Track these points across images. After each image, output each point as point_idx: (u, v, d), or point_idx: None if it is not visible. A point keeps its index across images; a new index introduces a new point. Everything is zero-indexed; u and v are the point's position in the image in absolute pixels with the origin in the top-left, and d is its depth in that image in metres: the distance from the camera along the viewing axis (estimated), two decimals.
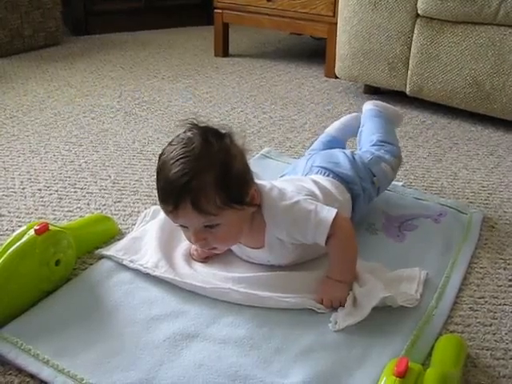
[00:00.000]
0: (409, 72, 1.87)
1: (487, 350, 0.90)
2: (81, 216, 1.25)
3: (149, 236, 1.11)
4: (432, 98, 1.87)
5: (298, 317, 0.94)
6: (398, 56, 1.88)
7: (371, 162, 1.20)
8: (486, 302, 1.01)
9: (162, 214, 1.10)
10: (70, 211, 1.28)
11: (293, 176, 1.19)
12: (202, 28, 3.07)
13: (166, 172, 0.90)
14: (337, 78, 2.17)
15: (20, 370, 0.84)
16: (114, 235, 1.17)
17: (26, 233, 0.97)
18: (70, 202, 1.32)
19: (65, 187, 1.39)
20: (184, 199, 0.88)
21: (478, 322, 0.96)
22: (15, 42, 2.55)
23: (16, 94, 2.07)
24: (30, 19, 2.58)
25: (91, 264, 1.07)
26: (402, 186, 1.41)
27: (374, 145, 1.26)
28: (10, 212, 1.27)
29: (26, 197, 1.34)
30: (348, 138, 1.43)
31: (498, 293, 1.04)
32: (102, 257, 1.09)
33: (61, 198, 1.33)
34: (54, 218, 1.24)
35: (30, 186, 1.39)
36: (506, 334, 0.94)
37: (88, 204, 1.31)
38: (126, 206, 1.30)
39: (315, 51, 2.66)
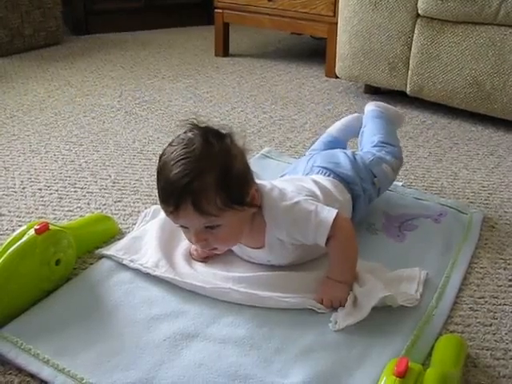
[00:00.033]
0: (409, 72, 1.87)
1: (487, 349, 0.90)
2: (81, 215, 1.25)
3: (149, 236, 1.11)
4: (432, 97, 1.87)
5: (298, 317, 0.94)
6: (398, 56, 1.88)
7: (372, 162, 1.20)
8: (486, 301, 1.01)
9: (162, 214, 1.10)
10: (71, 211, 1.28)
11: (293, 176, 1.19)
12: (203, 28, 3.07)
13: (166, 173, 0.90)
14: (337, 77, 2.17)
15: (20, 370, 0.84)
16: (115, 235, 1.17)
17: (26, 232, 0.97)
18: (70, 202, 1.32)
19: (65, 187, 1.39)
20: (185, 200, 0.88)
21: (478, 322, 0.96)
22: (15, 42, 2.55)
23: (16, 93, 2.07)
24: (31, 19, 2.58)
25: (91, 263, 1.07)
26: (402, 185, 1.41)
27: (375, 146, 1.26)
28: (10, 211, 1.27)
29: (26, 196, 1.34)
30: (349, 138, 1.43)
31: (498, 293, 1.04)
32: (102, 256, 1.09)
33: (61, 198, 1.33)
34: (55, 218, 1.24)
35: (31, 186, 1.39)
36: (506, 334, 0.94)
37: (88, 203, 1.31)
38: (127, 206, 1.30)
39: (315, 51, 2.66)
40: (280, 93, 2.13)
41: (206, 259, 1.07)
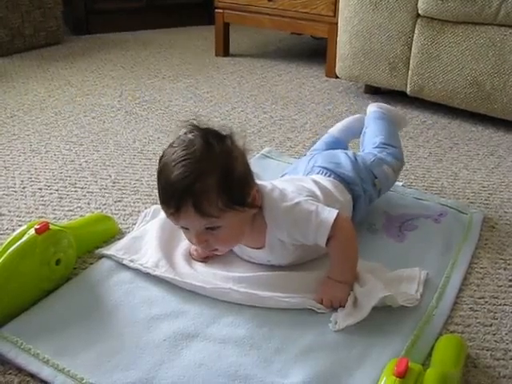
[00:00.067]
0: (409, 72, 1.87)
1: (487, 350, 0.90)
2: (81, 215, 1.25)
3: (149, 235, 1.11)
4: (432, 98, 1.87)
5: (298, 317, 0.94)
6: (398, 56, 1.88)
7: (373, 163, 1.20)
8: (486, 302, 1.01)
9: (162, 214, 1.10)
10: (71, 210, 1.28)
11: (293, 176, 1.19)
12: (203, 28, 3.07)
13: (167, 174, 0.90)
14: (337, 77, 2.17)
15: (20, 370, 0.84)
16: (115, 235, 1.17)
17: (26, 232, 0.97)
18: (70, 202, 1.32)
19: (65, 186, 1.39)
20: (186, 202, 0.88)
21: (478, 323, 0.96)
22: (16, 41, 2.55)
23: (17, 93, 2.07)
24: (31, 18, 2.58)
25: (91, 263, 1.07)
26: (403, 185, 1.41)
27: (376, 147, 1.26)
28: (10, 211, 1.27)
29: (26, 196, 1.34)
30: (350, 139, 1.43)
31: (499, 293, 1.04)
32: (102, 256, 1.09)
33: (61, 198, 1.33)
34: (55, 218, 1.24)
35: (31, 185, 1.39)
36: (506, 334, 0.94)
37: (88, 203, 1.31)
38: (127, 206, 1.30)
39: (315, 51, 2.66)
40: (280, 93, 2.13)
41: (206, 259, 1.07)
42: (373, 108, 1.39)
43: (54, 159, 1.54)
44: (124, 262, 1.05)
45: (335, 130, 1.40)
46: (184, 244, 1.09)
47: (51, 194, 1.35)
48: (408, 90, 1.91)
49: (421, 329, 0.92)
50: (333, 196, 1.08)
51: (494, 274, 1.09)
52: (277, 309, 0.95)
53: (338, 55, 2.06)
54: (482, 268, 1.11)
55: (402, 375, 0.71)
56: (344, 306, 0.94)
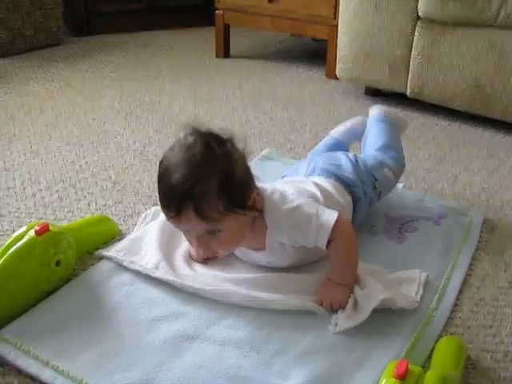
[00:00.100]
0: (409, 74, 1.87)
1: (487, 352, 0.90)
2: (81, 216, 1.25)
3: (149, 237, 1.11)
4: (433, 99, 1.87)
5: (298, 319, 0.94)
6: (398, 58, 1.88)
7: (374, 166, 1.20)
8: (487, 304, 1.01)
9: (162, 215, 1.10)
10: (71, 212, 1.28)
11: (294, 177, 1.19)
12: (203, 29, 3.07)
13: (167, 178, 0.90)
14: (337, 79, 2.17)
15: (20, 371, 0.84)
16: (115, 236, 1.17)
17: (26, 233, 0.97)
18: (70, 203, 1.32)
19: (65, 188, 1.39)
20: (186, 205, 0.88)
21: (479, 324, 0.96)
22: (16, 42, 2.55)
23: (17, 94, 2.07)
24: (32, 19, 2.58)
25: (91, 265, 1.07)
26: (403, 187, 1.41)
27: (378, 149, 1.26)
28: (10, 212, 1.27)
29: (26, 197, 1.34)
30: (352, 141, 1.43)
31: (499, 295, 1.04)
32: (102, 257, 1.09)
33: (61, 199, 1.33)
34: (55, 219, 1.24)
35: (31, 187, 1.39)
36: (506, 336, 0.94)
37: (88, 205, 1.31)
38: (127, 207, 1.30)
39: (316, 52, 2.66)
40: (280, 94, 2.13)
41: (206, 261, 1.07)
42: (375, 111, 1.39)
43: (54, 160, 1.54)
44: (124, 264, 1.05)
45: (337, 132, 1.40)
46: (184, 245, 1.09)
47: (51, 195, 1.35)
48: (408, 92, 1.91)
49: (421, 331, 0.92)
50: (333, 198, 1.08)
51: (494, 276, 1.09)
52: (277, 311, 0.95)
53: (338, 57, 2.06)
54: (482, 270, 1.11)
55: (402, 377, 0.72)
56: (344, 309, 0.94)
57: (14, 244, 0.94)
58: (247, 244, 1.02)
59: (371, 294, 0.93)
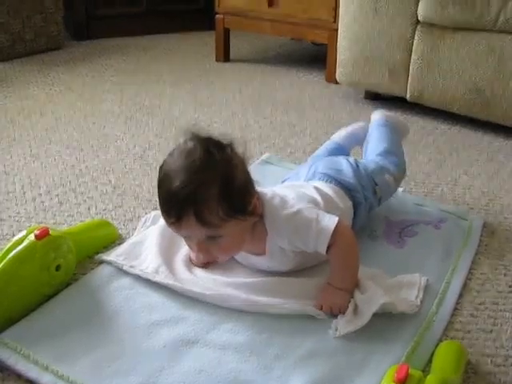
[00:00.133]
0: (409, 78, 1.88)
1: (488, 356, 0.90)
2: (81, 221, 1.26)
3: (149, 241, 1.11)
4: (432, 103, 1.88)
5: (298, 323, 0.93)
6: (398, 62, 1.88)
7: (375, 171, 1.20)
8: (487, 308, 1.01)
9: (162, 220, 1.10)
10: (71, 216, 1.28)
11: (294, 182, 1.19)
12: (204, 33, 3.08)
13: (168, 184, 0.90)
14: (337, 83, 2.18)
15: (20, 376, 0.83)
16: (115, 240, 1.17)
17: (26, 238, 0.97)
18: (70, 207, 1.32)
19: (65, 192, 1.39)
20: (187, 211, 0.88)
21: (479, 328, 0.96)
22: (17, 46, 2.55)
23: (17, 97, 2.07)
24: (32, 23, 2.58)
25: (91, 269, 1.07)
26: (403, 191, 1.41)
27: (379, 154, 1.26)
28: (10, 216, 1.27)
29: (26, 201, 1.34)
30: (353, 146, 1.43)
31: (499, 299, 1.04)
32: (102, 262, 1.09)
33: (61, 203, 1.33)
34: (55, 223, 1.24)
35: (31, 191, 1.39)
36: (506, 340, 0.93)
37: (88, 209, 1.31)
38: (127, 211, 1.30)
39: (316, 57, 2.66)
40: (280, 98, 2.14)
41: (206, 265, 1.07)
42: (377, 115, 1.39)
43: (54, 164, 1.54)
44: (124, 268, 1.05)
45: (338, 136, 1.41)
46: (184, 250, 1.09)
47: (51, 199, 1.35)
48: (408, 96, 1.91)
49: (421, 335, 0.92)
50: (333, 202, 1.08)
51: (494, 280, 1.09)
52: (276, 315, 0.95)
53: (338, 61, 2.06)
54: (482, 274, 1.11)
55: (403, 382, 0.72)
56: (344, 313, 0.93)
57: (14, 248, 0.94)
58: (247, 249, 1.02)
59: (371, 299, 0.93)
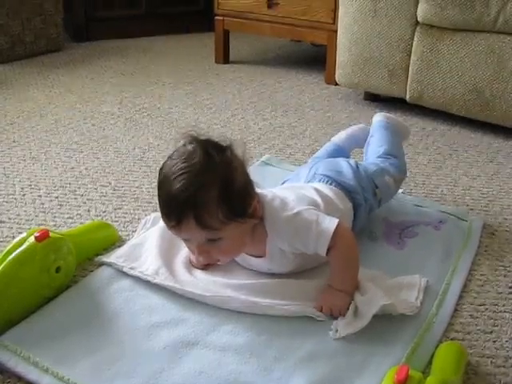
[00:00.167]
0: (409, 79, 1.88)
1: (488, 357, 0.90)
2: (81, 223, 1.25)
3: (149, 243, 1.11)
4: (432, 104, 1.88)
5: (298, 325, 0.93)
6: (398, 63, 1.88)
7: (375, 173, 1.20)
8: (487, 309, 1.01)
9: (162, 221, 1.10)
10: (71, 218, 1.28)
11: (295, 183, 1.19)
12: (203, 35, 3.08)
13: (167, 187, 0.90)
14: (337, 84, 2.18)
15: (20, 378, 0.83)
16: (115, 242, 1.17)
17: (26, 240, 0.97)
18: (70, 209, 1.32)
19: (65, 194, 1.39)
20: (187, 215, 0.88)
21: (479, 330, 0.96)
22: (16, 49, 2.55)
23: (17, 100, 2.07)
24: (32, 25, 2.59)
25: (91, 271, 1.07)
26: (403, 192, 1.41)
27: (379, 157, 1.26)
28: (10, 218, 1.27)
29: (26, 203, 1.34)
30: (353, 148, 1.43)
31: (499, 300, 1.04)
32: (102, 264, 1.09)
33: (61, 205, 1.34)
34: (55, 225, 1.25)
35: (31, 193, 1.39)
36: (506, 341, 0.93)
37: (88, 211, 1.31)
38: (127, 213, 1.30)
39: (315, 58, 2.67)
40: (280, 100, 2.14)
41: (206, 267, 1.06)
42: (378, 117, 1.39)
43: (54, 166, 1.54)
44: (124, 270, 1.05)
45: (338, 138, 1.41)
46: (184, 251, 1.09)
47: (51, 201, 1.35)
48: (407, 97, 1.91)
49: (421, 336, 0.92)
50: (334, 204, 1.08)
51: (494, 281, 1.09)
52: (276, 317, 0.95)
53: (337, 62, 2.06)
54: (482, 275, 1.11)
55: (403, 383, 0.71)
56: (343, 315, 0.93)
57: (14, 250, 0.94)
58: (247, 251, 1.02)
59: (371, 300, 0.93)
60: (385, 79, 1.93)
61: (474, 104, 1.77)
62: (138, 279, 1.03)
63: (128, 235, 1.21)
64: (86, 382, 0.82)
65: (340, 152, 1.36)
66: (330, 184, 1.13)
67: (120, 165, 1.56)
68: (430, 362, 0.86)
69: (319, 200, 1.06)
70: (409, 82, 1.88)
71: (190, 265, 1.07)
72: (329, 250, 0.96)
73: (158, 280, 1.01)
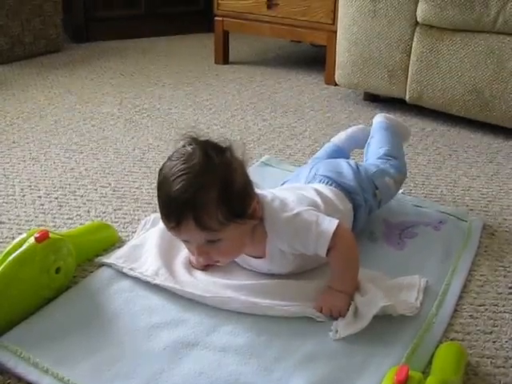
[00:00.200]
0: (408, 79, 1.88)
1: (488, 357, 0.90)
2: (81, 223, 1.25)
3: (149, 244, 1.11)
4: (431, 105, 1.88)
5: (298, 326, 0.93)
6: (397, 63, 1.88)
7: (375, 174, 1.20)
8: (486, 309, 1.01)
9: (162, 222, 1.11)
10: (70, 219, 1.28)
11: (294, 184, 1.19)
12: (203, 35, 3.09)
13: (167, 188, 0.90)
14: (336, 85, 2.18)
15: (20, 379, 0.83)
16: (114, 243, 1.17)
17: (26, 240, 0.97)
18: (70, 210, 1.32)
19: (65, 194, 1.39)
20: (186, 216, 0.88)
21: (479, 330, 0.96)
22: (16, 49, 2.55)
23: (16, 100, 2.07)
24: (31, 26, 2.59)
25: (91, 272, 1.07)
26: (402, 193, 1.41)
27: (379, 158, 1.26)
28: (10, 219, 1.27)
29: (26, 204, 1.34)
30: (353, 149, 1.43)
31: (498, 300, 1.04)
32: (102, 264, 1.09)
33: (61, 206, 1.34)
34: (54, 226, 1.24)
35: (30, 194, 1.39)
36: (506, 341, 0.93)
37: (88, 211, 1.31)
38: (126, 214, 1.30)
39: (315, 58, 2.67)
40: (280, 100, 2.14)
41: (206, 267, 1.06)
42: (379, 118, 1.39)
43: (54, 167, 1.54)
44: (124, 271, 1.05)
45: (338, 139, 1.41)
46: (184, 252, 1.09)
47: (51, 202, 1.35)
48: (407, 98, 1.91)
49: (421, 337, 0.92)
50: (334, 205, 1.08)
51: (493, 282, 1.09)
52: (276, 317, 0.95)
53: (337, 63, 2.06)
54: (481, 275, 1.11)
55: (403, 383, 0.71)
56: (343, 316, 0.93)
57: (14, 251, 0.94)
58: (247, 251, 1.02)
59: (371, 301, 0.93)
60: (384, 80, 1.93)
61: (473, 104, 1.77)
62: (138, 280, 1.03)
63: (128, 236, 1.21)
64: (86, 383, 0.82)
65: (340, 153, 1.36)
66: (330, 185, 1.13)
67: (120, 166, 1.56)
68: (429, 363, 0.86)
69: (319, 201, 1.06)
70: (408, 83, 1.88)
71: (190, 265, 1.07)
72: (329, 250, 0.96)
73: (157, 281, 1.01)
